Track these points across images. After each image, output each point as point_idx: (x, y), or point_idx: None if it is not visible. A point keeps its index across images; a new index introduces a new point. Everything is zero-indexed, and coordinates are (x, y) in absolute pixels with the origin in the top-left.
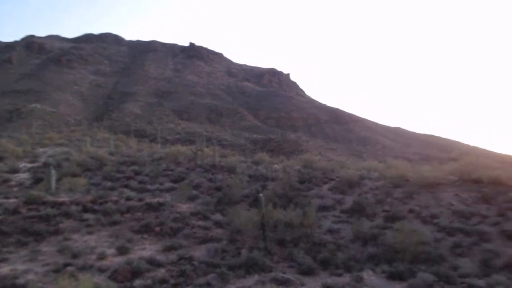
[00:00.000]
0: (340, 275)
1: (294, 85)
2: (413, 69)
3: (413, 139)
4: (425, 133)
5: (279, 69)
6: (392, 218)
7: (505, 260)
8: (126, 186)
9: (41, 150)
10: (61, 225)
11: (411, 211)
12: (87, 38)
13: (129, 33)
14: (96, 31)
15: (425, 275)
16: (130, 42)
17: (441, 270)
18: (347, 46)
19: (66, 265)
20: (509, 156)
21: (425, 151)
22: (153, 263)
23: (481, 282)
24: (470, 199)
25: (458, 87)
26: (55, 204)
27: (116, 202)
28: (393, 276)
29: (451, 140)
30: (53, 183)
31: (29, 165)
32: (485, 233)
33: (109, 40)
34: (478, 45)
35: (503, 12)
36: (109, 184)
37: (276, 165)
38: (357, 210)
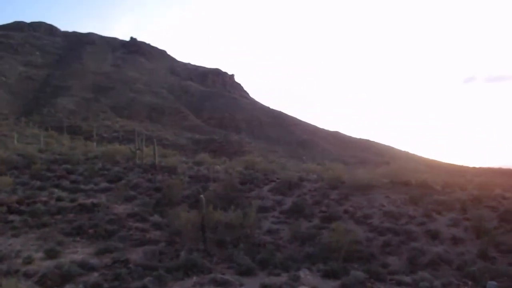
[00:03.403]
0: (278, 274)
1: (238, 86)
2: (352, 76)
3: (350, 143)
4: (362, 137)
5: (223, 69)
6: (328, 219)
7: (429, 257)
8: (57, 186)
9: None
10: None
11: (346, 211)
12: (17, 26)
13: (64, 23)
14: (27, 19)
15: (357, 273)
16: (66, 33)
17: (372, 268)
18: (291, 49)
19: None
20: (435, 161)
21: (361, 155)
22: (86, 267)
23: (408, 279)
24: (399, 201)
25: (392, 97)
26: None
27: (45, 202)
28: (328, 275)
29: (385, 145)
30: None
31: None
32: (412, 233)
33: (42, 29)
34: (411, 54)
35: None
36: (38, 183)
37: (218, 166)
38: (296, 211)
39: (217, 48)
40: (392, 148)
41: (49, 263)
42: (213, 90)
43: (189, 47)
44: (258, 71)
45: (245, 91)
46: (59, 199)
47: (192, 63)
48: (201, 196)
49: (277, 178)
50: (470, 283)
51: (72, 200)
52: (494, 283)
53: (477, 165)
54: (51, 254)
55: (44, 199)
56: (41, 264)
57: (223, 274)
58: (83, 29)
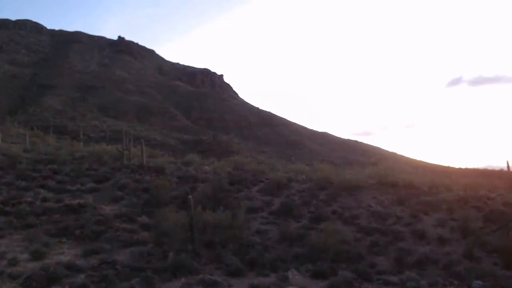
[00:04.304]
0: (266, 275)
1: (227, 86)
2: (341, 77)
3: (338, 144)
4: (349, 138)
5: (212, 69)
6: (317, 219)
7: (416, 257)
8: (42, 186)
9: None
10: None
11: (334, 212)
12: (3, 24)
13: (51, 22)
14: (13, 16)
15: (345, 273)
16: (52, 31)
17: (360, 268)
18: (281, 49)
19: None
20: (422, 161)
21: (349, 155)
22: (72, 269)
23: (395, 279)
24: (387, 201)
25: (379, 98)
26: None
27: (31, 203)
28: (317, 275)
29: (372, 146)
30: None
31: None
32: (399, 233)
33: (28, 27)
34: (396, 55)
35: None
36: (23, 183)
37: (206, 167)
38: (285, 212)
39: (206, 47)
40: (380, 149)
41: (35, 265)
42: (202, 90)
43: (177, 47)
44: (248, 72)
45: (234, 92)
46: (44, 199)
47: (181, 62)
48: (189, 196)
49: (266, 179)
50: (456, 282)
51: (58, 201)
52: (479, 282)
53: (463, 166)
54: (36, 256)
55: (29, 199)
56: (27, 266)
57: (212, 275)
58: (70, 27)
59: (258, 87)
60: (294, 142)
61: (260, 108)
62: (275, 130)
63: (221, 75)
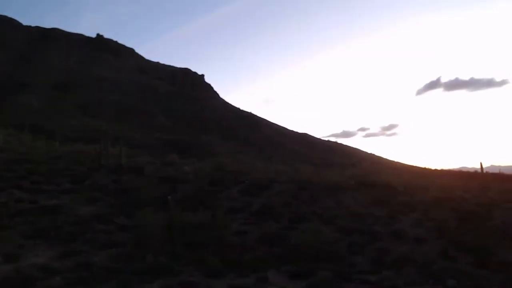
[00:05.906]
0: (246, 276)
1: (208, 87)
2: (322, 79)
3: (318, 145)
4: (329, 139)
5: (193, 69)
6: (297, 220)
7: (393, 257)
8: (17, 187)
9: None
10: None
11: (314, 212)
12: None
13: (27, 18)
14: None
15: (325, 273)
16: (28, 27)
17: (339, 268)
18: (262, 51)
19: None
20: (399, 163)
21: (329, 156)
22: (47, 271)
23: (372, 278)
24: (366, 202)
25: (358, 100)
26: None
27: (4, 204)
28: (296, 275)
29: (352, 147)
30: None
31: None
32: (377, 233)
33: (2, 23)
34: (377, 58)
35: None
36: None
37: (186, 167)
38: (265, 212)
39: (187, 47)
40: (359, 150)
41: (8, 267)
42: (183, 90)
43: (158, 46)
44: (228, 72)
45: (215, 92)
46: (19, 200)
47: (161, 62)
48: (169, 197)
49: (246, 180)
50: (431, 281)
51: (33, 202)
52: (454, 281)
53: (439, 167)
54: (10, 258)
55: (3, 200)
56: (0, 269)
57: (191, 276)
58: (46, 24)
59: (239, 87)
60: (275, 142)
61: (241, 108)
62: (256, 131)
63: (202, 75)
